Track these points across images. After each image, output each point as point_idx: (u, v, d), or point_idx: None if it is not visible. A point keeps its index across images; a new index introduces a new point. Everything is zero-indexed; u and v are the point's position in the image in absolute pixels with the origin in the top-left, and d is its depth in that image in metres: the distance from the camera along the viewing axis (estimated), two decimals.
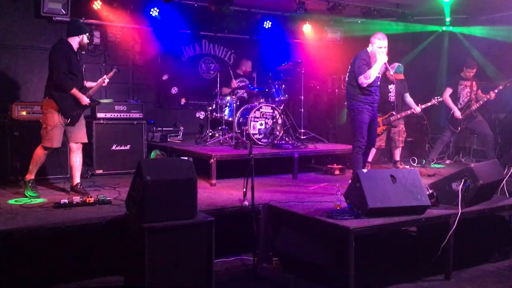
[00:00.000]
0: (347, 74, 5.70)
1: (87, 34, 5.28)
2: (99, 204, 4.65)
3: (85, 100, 5.18)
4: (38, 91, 6.40)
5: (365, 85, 5.40)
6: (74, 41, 5.19)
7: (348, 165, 7.35)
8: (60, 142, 5.19)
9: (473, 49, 9.03)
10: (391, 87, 7.16)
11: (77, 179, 5.35)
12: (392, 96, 7.16)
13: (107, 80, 5.45)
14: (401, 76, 7.17)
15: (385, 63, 5.43)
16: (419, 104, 7.17)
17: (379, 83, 5.68)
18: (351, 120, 5.61)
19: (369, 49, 5.50)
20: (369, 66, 5.40)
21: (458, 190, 4.47)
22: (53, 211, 4.41)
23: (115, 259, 4.10)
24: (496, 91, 7.41)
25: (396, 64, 7.10)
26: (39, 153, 5.17)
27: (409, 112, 7.19)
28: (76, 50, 5.21)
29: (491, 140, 7.63)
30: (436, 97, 7.23)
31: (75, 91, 5.09)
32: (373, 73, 5.35)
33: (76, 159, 5.35)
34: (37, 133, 5.26)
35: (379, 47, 5.39)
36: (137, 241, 3.63)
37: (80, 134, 5.35)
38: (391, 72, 6.32)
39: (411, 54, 9.75)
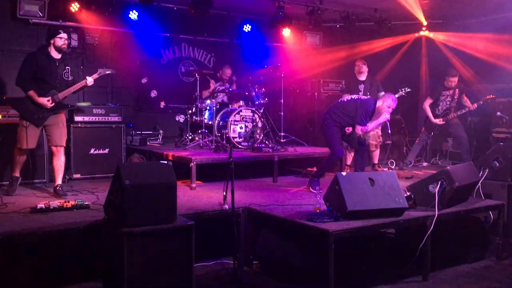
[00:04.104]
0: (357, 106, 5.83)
1: (57, 35, 5.29)
2: (77, 209, 4.59)
3: (45, 102, 5.22)
4: (14, 94, 6.29)
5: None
6: (50, 46, 5.32)
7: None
8: (31, 144, 5.27)
9: (451, 53, 9.18)
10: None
11: (58, 181, 5.42)
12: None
13: (90, 80, 5.45)
14: None
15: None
16: None
17: None
18: (325, 131, 6.04)
19: (379, 103, 5.77)
20: (370, 118, 5.80)
21: (435, 192, 4.54)
22: (30, 216, 4.34)
23: (94, 265, 4.04)
24: (475, 105, 7.55)
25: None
26: (14, 153, 5.38)
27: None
28: (54, 54, 5.32)
29: (466, 143, 7.76)
30: (403, 88, 7.15)
31: (31, 93, 5.21)
32: (370, 128, 5.94)
33: (56, 162, 5.42)
34: (14, 136, 5.36)
35: (388, 106, 5.73)
36: (116, 246, 3.59)
37: (55, 137, 5.40)
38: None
39: (391, 60, 9.85)
